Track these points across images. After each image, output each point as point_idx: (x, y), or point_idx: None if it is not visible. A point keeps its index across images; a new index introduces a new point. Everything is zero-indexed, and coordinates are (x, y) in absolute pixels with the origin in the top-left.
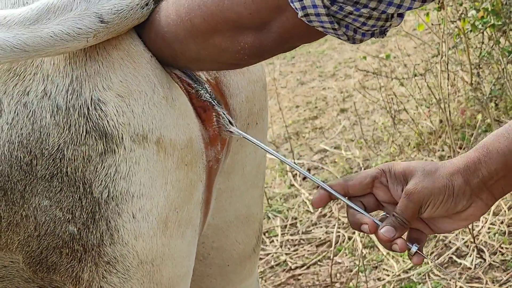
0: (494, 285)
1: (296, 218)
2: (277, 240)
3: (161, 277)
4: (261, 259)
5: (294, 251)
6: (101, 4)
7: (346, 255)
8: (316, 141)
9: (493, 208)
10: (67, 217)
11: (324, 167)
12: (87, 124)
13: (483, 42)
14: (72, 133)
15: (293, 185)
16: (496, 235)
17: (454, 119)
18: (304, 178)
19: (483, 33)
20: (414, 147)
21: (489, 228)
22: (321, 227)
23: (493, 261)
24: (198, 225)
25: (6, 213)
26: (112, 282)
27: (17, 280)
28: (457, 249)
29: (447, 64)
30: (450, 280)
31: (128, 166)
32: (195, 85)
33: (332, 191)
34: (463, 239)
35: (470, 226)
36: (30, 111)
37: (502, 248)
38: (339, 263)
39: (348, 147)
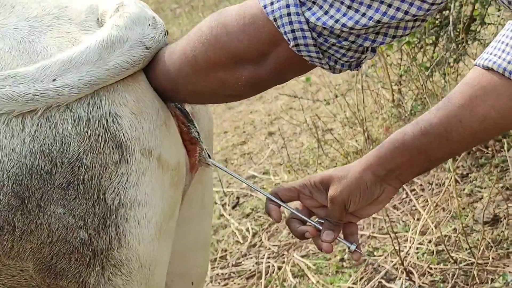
0: None
1: (226, 250)
2: (207, 275)
3: (153, 281)
4: None
5: (224, 285)
6: (141, 34)
7: (277, 286)
8: (245, 167)
9: (419, 227)
10: (79, 224)
11: (253, 194)
12: (106, 134)
13: (401, 59)
14: (92, 142)
15: (222, 215)
16: (425, 255)
17: (379, 137)
18: (234, 207)
19: (401, 49)
20: None
21: (417, 248)
22: (251, 257)
23: (423, 282)
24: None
25: (20, 223)
26: (117, 284)
27: None
28: (387, 272)
29: (366, 83)
30: None
31: (137, 176)
32: (188, 123)
33: (280, 202)
34: (392, 261)
35: (397, 247)
36: (52, 123)
37: (430, 268)
38: None
39: (276, 171)
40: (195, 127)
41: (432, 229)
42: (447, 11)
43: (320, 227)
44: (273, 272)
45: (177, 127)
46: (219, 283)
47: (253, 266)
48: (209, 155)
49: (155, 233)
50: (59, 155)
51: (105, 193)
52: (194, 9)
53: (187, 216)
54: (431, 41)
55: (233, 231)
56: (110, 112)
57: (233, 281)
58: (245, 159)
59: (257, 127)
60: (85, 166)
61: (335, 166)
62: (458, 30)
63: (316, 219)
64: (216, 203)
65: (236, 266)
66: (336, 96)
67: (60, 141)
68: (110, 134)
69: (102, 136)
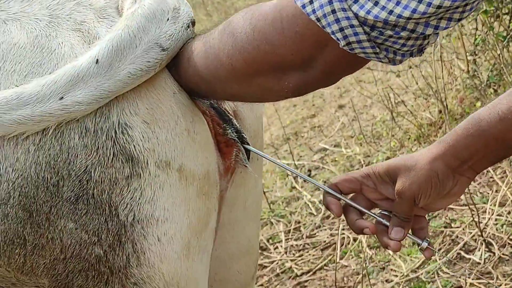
0: (505, 279)
1: (299, 222)
2: (281, 246)
3: None
4: (266, 267)
5: (299, 256)
6: (157, 33)
7: (352, 257)
8: (315, 140)
9: (499, 198)
10: (93, 240)
11: (325, 167)
12: (114, 147)
13: (477, 29)
14: (100, 155)
15: (294, 187)
16: (504, 226)
17: (453, 108)
18: (305, 180)
19: (476, 19)
20: (414, 140)
21: (496, 220)
22: (325, 229)
23: (503, 254)
24: (210, 252)
25: (31, 236)
26: None
27: None
28: (465, 243)
29: (441, 54)
30: (460, 277)
31: (152, 190)
32: (224, 124)
33: (338, 195)
34: (471, 232)
35: (476, 219)
36: (58, 132)
37: (511, 240)
38: (346, 266)
39: (348, 144)
40: (233, 126)
41: (511, 200)
42: None
43: (387, 223)
44: (348, 243)
45: (211, 129)
46: (293, 254)
47: (327, 237)
48: (248, 157)
49: (181, 250)
50: (66, 167)
51: (117, 209)
52: None
53: (228, 222)
54: (507, 10)
55: (306, 203)
56: (119, 123)
57: (308, 252)
58: (315, 132)
59: (326, 100)
60: (94, 180)
61: (408, 138)
62: None
63: (379, 211)
64: (288, 175)
65: (311, 237)
66: (410, 67)
67: (67, 152)
68: (119, 147)
69: (110, 149)
